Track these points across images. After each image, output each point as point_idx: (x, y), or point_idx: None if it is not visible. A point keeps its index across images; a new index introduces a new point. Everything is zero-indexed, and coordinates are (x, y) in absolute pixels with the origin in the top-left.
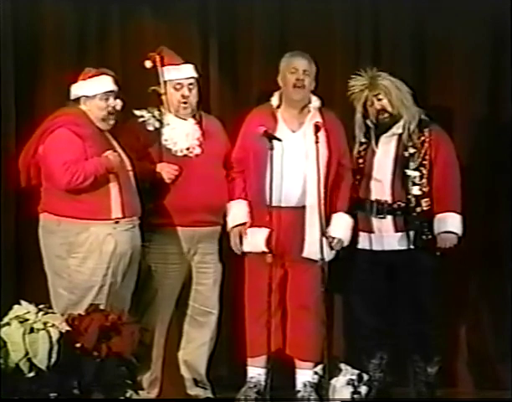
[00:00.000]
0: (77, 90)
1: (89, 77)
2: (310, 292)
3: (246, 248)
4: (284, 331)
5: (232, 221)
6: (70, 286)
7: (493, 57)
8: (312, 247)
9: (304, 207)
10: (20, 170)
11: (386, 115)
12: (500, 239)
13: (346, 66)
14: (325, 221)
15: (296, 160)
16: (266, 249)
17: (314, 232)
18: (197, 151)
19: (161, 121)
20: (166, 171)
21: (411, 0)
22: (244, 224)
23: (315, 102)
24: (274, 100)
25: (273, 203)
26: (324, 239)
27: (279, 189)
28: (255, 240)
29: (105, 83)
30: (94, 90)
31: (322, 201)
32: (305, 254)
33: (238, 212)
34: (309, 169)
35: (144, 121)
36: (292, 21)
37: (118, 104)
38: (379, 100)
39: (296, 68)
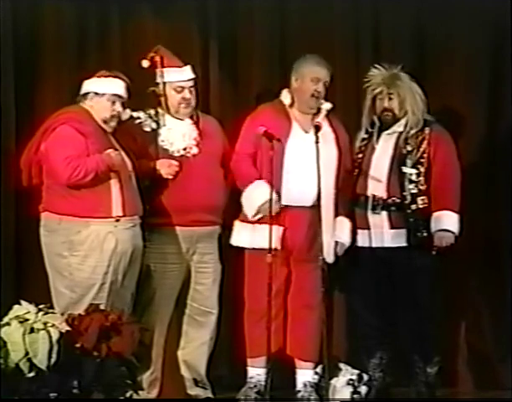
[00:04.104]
0: (88, 85)
1: (104, 76)
2: (315, 292)
3: (255, 244)
4: (285, 331)
5: (260, 198)
6: (71, 285)
7: (493, 57)
8: (329, 246)
9: (313, 207)
10: (22, 169)
11: (390, 114)
12: (501, 238)
13: (346, 66)
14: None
15: (307, 160)
16: (279, 247)
17: (325, 231)
18: (195, 151)
19: (157, 122)
20: (167, 166)
21: (411, 0)
22: (271, 200)
23: (326, 105)
24: (287, 99)
25: (283, 203)
26: (324, 240)
27: (291, 188)
28: (266, 237)
29: (117, 86)
30: (104, 88)
31: (331, 201)
32: (325, 253)
33: (263, 190)
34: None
35: (140, 123)
36: (292, 21)
37: (123, 113)
38: (390, 99)
39: (319, 78)
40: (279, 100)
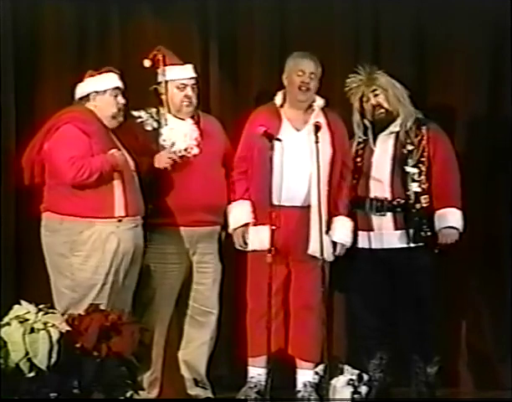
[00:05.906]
0: (85, 87)
1: (98, 74)
2: (314, 292)
3: (252, 246)
4: (286, 331)
5: (235, 222)
6: (73, 285)
7: (493, 57)
8: (317, 244)
9: (309, 206)
10: (24, 167)
11: (382, 110)
12: (500, 238)
13: (346, 66)
14: (328, 221)
15: (301, 159)
16: (270, 247)
17: (318, 230)
18: (196, 151)
19: (159, 122)
20: (164, 158)
21: (411, 0)
22: (247, 224)
23: (319, 101)
24: (278, 99)
25: (278, 202)
26: (324, 239)
27: (283, 188)
28: (261, 238)
29: (114, 79)
30: (104, 85)
31: (324, 200)
32: (311, 251)
33: (240, 212)
34: (312, 168)
35: (142, 122)
36: (292, 21)
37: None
38: (375, 95)
39: (303, 70)
40: (273, 101)
